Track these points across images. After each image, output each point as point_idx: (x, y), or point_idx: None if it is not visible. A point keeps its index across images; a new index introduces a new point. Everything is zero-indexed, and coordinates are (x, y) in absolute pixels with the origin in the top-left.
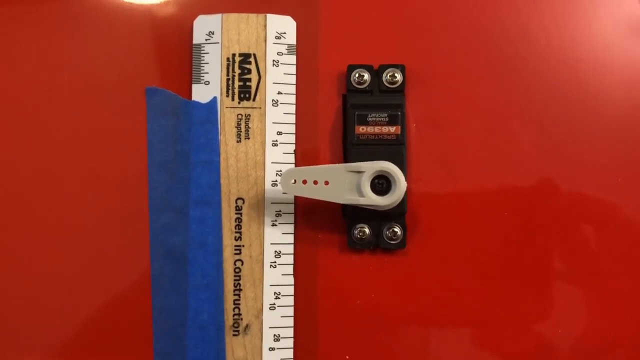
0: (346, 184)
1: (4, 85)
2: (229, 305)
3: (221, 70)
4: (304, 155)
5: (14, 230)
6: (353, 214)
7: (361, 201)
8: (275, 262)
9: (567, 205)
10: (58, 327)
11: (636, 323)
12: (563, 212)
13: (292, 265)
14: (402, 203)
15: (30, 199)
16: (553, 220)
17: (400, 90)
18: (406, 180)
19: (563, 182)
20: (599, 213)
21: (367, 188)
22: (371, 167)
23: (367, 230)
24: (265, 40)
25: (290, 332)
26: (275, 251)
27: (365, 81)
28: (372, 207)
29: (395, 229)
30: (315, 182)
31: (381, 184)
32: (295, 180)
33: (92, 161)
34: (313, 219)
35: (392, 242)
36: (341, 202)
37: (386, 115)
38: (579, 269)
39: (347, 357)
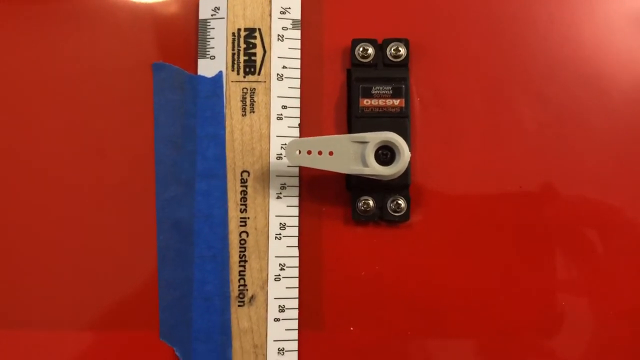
0: (351, 154)
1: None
2: (234, 276)
3: (227, 45)
4: (309, 129)
5: (23, 204)
6: (357, 186)
7: (365, 171)
8: (280, 234)
9: (571, 176)
10: (65, 300)
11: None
12: (566, 184)
13: (296, 238)
14: (406, 175)
15: (39, 172)
16: (556, 192)
17: (404, 64)
18: (410, 152)
19: (565, 154)
20: (602, 179)
21: (371, 158)
22: (376, 138)
23: (371, 203)
24: (270, 15)
25: (295, 303)
26: (280, 223)
27: (369, 55)
28: (376, 178)
29: (399, 202)
30: (320, 153)
31: (385, 154)
32: (300, 151)
33: (100, 135)
34: (317, 191)
35: (396, 214)
36: (345, 172)
37: (390, 88)
38: (584, 241)
39: (352, 328)
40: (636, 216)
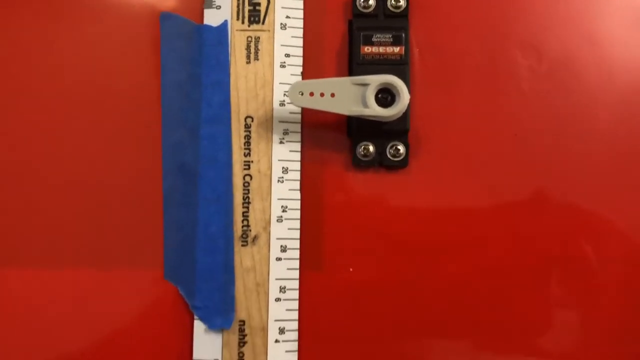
0: (351, 96)
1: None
2: (237, 217)
3: None
4: (311, 77)
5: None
6: (357, 132)
7: (366, 112)
8: (282, 177)
9: (566, 120)
10: (72, 240)
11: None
12: (560, 128)
13: (298, 181)
14: (405, 120)
15: (49, 118)
16: (551, 137)
17: (404, 14)
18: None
19: (558, 101)
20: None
21: (371, 100)
22: (376, 80)
23: (371, 148)
24: None
25: (296, 243)
26: (283, 167)
27: (370, 6)
28: (376, 119)
29: (399, 147)
30: (322, 94)
31: (385, 97)
32: (302, 92)
33: (108, 81)
34: (319, 138)
35: (395, 159)
36: (346, 113)
37: (390, 36)
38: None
39: (351, 269)
40: None
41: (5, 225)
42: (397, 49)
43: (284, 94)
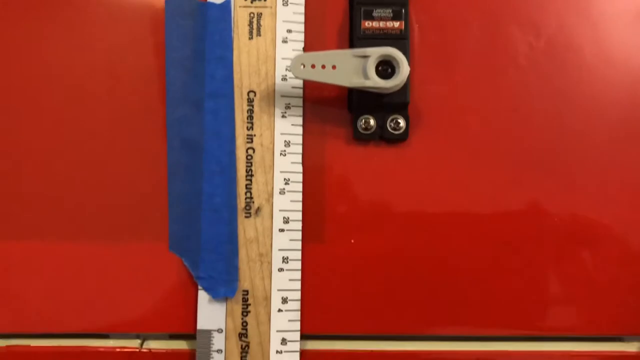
0: (352, 68)
1: None
2: (241, 189)
3: None
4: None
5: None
6: (358, 105)
7: (366, 84)
8: (284, 150)
9: (563, 93)
10: (80, 214)
11: None
12: (559, 101)
13: (300, 155)
14: (405, 92)
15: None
16: (551, 109)
17: None
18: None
19: (555, 75)
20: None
21: (372, 71)
22: (376, 52)
23: (371, 122)
24: None
25: (298, 215)
26: (285, 141)
27: None
28: (376, 91)
29: (399, 120)
30: (323, 67)
31: (385, 69)
32: (304, 65)
33: (115, 59)
34: (321, 112)
35: (395, 132)
36: (347, 85)
37: (390, 11)
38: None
39: (352, 240)
40: None
41: (12, 199)
42: (397, 24)
43: (286, 69)
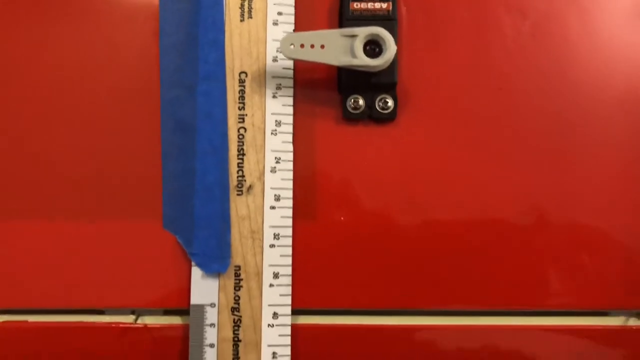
0: (340, 47)
1: None
2: (233, 168)
3: None
4: None
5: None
6: (347, 86)
7: (354, 62)
8: (275, 130)
9: (549, 74)
10: (78, 193)
11: None
12: (543, 81)
13: (291, 134)
14: (393, 72)
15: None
16: (536, 89)
17: None
18: (397, 52)
19: (542, 57)
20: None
21: (360, 50)
22: (364, 30)
23: (360, 101)
24: None
25: (289, 193)
26: (276, 120)
27: None
28: (364, 70)
29: (387, 100)
30: (312, 46)
31: (373, 49)
32: (293, 45)
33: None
34: (311, 93)
35: (384, 112)
36: (335, 64)
37: None
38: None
39: (342, 217)
40: None
41: (8, 177)
42: (385, 5)
43: (277, 51)
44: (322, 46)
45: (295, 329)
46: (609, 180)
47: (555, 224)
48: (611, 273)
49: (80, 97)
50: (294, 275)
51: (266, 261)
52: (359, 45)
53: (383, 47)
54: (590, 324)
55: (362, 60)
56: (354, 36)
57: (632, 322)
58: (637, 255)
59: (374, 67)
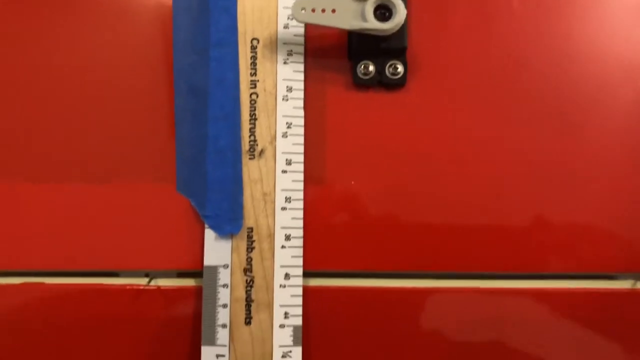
0: (351, 11)
1: None
2: (245, 132)
3: None
4: None
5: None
6: (357, 50)
7: (365, 26)
8: (287, 95)
9: (556, 50)
10: (94, 157)
11: None
12: (551, 54)
13: (302, 100)
14: (402, 37)
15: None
16: (544, 57)
17: None
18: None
19: (551, 27)
20: None
21: (370, 14)
22: None
23: (370, 67)
24: None
25: (300, 157)
26: (287, 86)
27: None
28: (375, 34)
29: (397, 66)
30: (323, 10)
31: (383, 13)
32: (304, 9)
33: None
34: (321, 59)
35: (394, 77)
36: (346, 27)
37: None
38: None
39: (352, 182)
40: None
41: (24, 141)
42: None
43: (288, 18)
44: (333, 10)
45: (306, 291)
46: (614, 139)
47: (562, 186)
48: (619, 236)
49: (97, 61)
50: (305, 238)
51: (278, 223)
52: (369, 9)
53: (393, 11)
54: (598, 287)
55: (373, 24)
56: (364, 0)
57: None
58: None
59: (384, 30)
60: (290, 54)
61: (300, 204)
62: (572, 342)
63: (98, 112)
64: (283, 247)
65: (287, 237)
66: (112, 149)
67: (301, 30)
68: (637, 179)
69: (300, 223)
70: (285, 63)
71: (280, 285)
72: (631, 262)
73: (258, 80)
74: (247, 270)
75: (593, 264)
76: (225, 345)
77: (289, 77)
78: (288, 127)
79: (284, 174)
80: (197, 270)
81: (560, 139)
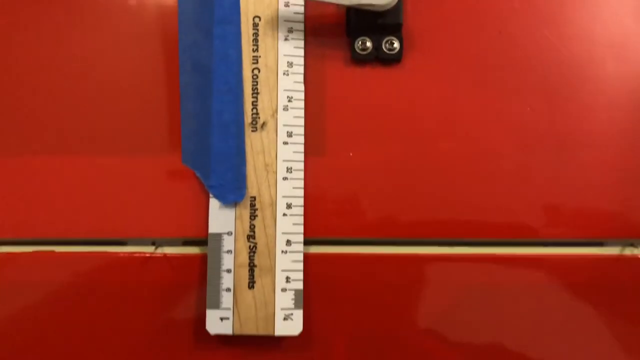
0: None
1: None
2: (247, 106)
3: None
4: None
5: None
6: (355, 27)
7: (362, 1)
8: (287, 70)
9: (548, 28)
10: (102, 128)
11: None
12: (542, 31)
13: (302, 75)
14: (398, 13)
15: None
16: (536, 35)
17: None
18: None
19: (543, 6)
20: None
21: None
22: None
23: (368, 43)
24: None
25: (301, 130)
26: (288, 62)
27: None
28: (372, 9)
29: (393, 41)
30: None
31: None
32: None
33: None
34: (321, 36)
35: (390, 53)
36: (345, 3)
37: None
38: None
39: (351, 154)
40: None
41: (34, 113)
42: None
43: None
44: None
45: (307, 257)
46: (605, 115)
47: (552, 156)
48: (607, 203)
49: (103, 32)
50: (305, 207)
51: (280, 192)
52: None
53: None
54: (587, 253)
55: None
56: None
57: (628, 251)
58: (633, 185)
59: (380, 5)
60: (290, 30)
61: (301, 174)
62: (563, 307)
63: (105, 86)
64: (284, 215)
65: (289, 206)
66: (121, 122)
67: (301, 8)
68: (624, 148)
69: (301, 192)
70: (286, 40)
71: (282, 251)
72: (619, 229)
73: (260, 56)
74: (250, 237)
75: (582, 230)
76: (229, 309)
77: (289, 53)
78: (289, 101)
79: (285, 146)
80: (201, 239)
81: (550, 111)
